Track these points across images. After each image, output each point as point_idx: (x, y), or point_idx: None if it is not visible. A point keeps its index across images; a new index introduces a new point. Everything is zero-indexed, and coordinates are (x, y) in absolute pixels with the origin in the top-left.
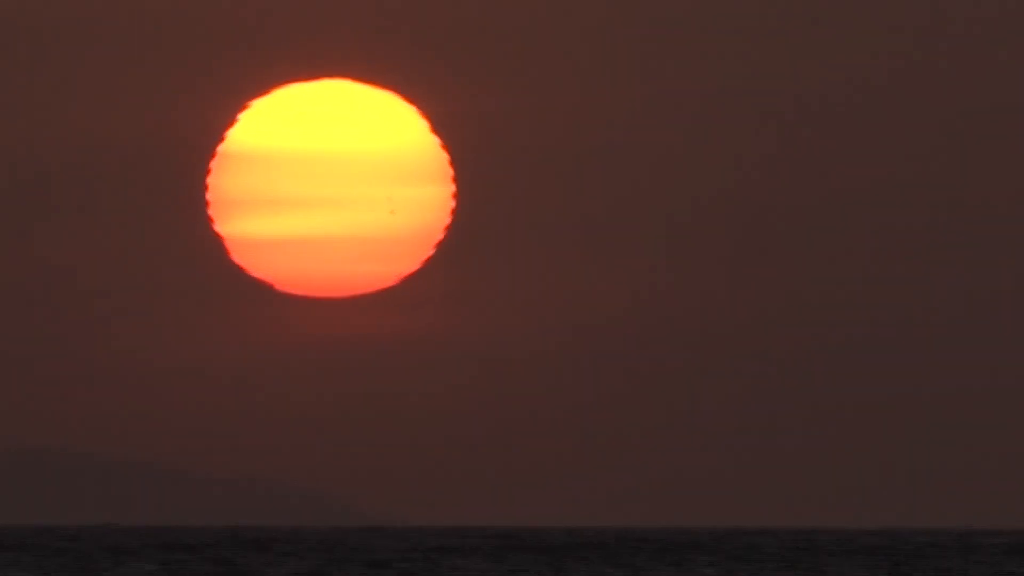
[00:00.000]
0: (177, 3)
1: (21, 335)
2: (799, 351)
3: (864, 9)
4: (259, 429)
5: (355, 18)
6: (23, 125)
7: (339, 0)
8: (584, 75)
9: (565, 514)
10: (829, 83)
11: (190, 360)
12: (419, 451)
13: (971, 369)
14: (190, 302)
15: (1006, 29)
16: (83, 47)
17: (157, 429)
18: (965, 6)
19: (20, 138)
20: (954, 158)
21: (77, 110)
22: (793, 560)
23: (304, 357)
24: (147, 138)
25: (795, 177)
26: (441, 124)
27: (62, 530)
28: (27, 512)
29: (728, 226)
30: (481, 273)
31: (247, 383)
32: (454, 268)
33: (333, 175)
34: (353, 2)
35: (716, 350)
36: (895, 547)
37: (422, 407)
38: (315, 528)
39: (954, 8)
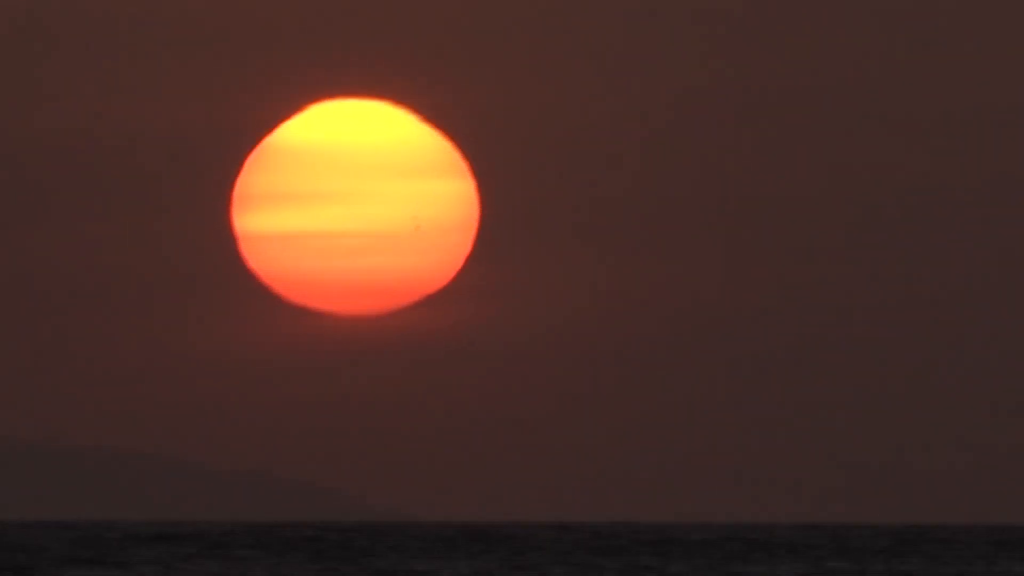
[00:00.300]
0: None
1: (21, 329)
2: (823, 350)
3: (861, 4)
4: (265, 425)
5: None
6: (64, 114)
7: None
8: (589, 68)
9: (589, 508)
10: (844, 82)
11: (194, 354)
12: (429, 449)
13: (971, 371)
14: (195, 297)
15: (1002, 27)
16: (158, 44)
17: (162, 422)
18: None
19: (63, 127)
20: (958, 155)
21: (125, 102)
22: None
23: (309, 358)
24: (185, 132)
25: (811, 178)
26: (462, 140)
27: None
28: (36, 507)
29: (752, 216)
30: (517, 272)
31: (253, 381)
32: (486, 273)
33: (362, 175)
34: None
35: (757, 342)
36: (893, 543)
37: (434, 407)
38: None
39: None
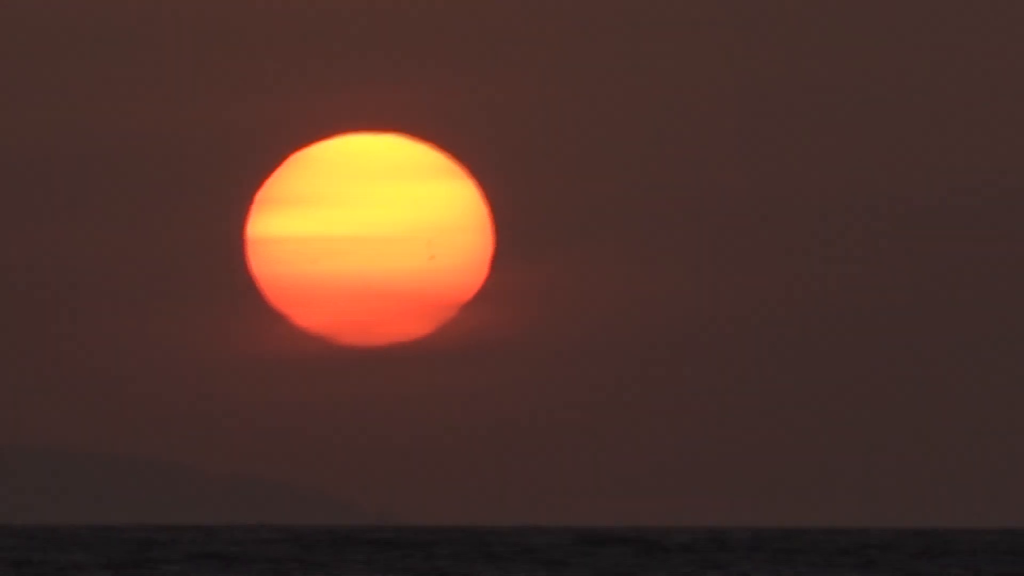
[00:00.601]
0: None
1: (21, 332)
2: (853, 351)
3: (874, 8)
4: (261, 429)
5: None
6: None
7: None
8: (577, 66)
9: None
10: (855, 80)
11: (189, 359)
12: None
13: (971, 373)
14: (195, 302)
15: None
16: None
17: (154, 426)
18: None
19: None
20: (964, 156)
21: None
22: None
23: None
24: (216, 137)
25: (828, 178)
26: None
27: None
28: (38, 511)
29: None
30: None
31: (250, 387)
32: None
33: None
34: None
35: (792, 341)
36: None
37: (436, 410)
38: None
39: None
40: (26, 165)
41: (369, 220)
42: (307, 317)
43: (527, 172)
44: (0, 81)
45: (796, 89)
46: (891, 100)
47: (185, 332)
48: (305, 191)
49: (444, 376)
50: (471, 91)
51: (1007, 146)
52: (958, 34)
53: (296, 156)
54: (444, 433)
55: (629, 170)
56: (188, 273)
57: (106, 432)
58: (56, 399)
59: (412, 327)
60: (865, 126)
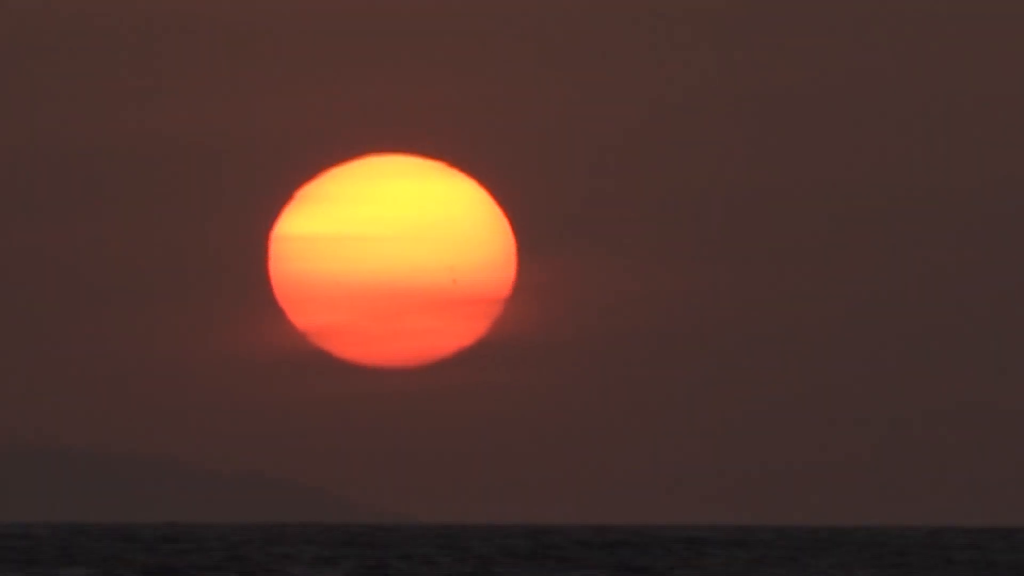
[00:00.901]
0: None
1: (29, 331)
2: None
3: (875, 9)
4: (268, 428)
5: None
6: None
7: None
8: (569, 65)
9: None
10: (868, 80)
11: (199, 357)
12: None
13: (973, 376)
14: (213, 299)
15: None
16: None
17: (160, 424)
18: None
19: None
20: (963, 156)
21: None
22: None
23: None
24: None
25: (848, 180)
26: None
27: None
28: (50, 509)
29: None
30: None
31: (264, 386)
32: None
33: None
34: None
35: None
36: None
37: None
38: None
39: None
40: (37, 165)
41: (380, 221)
42: (333, 315)
43: (530, 172)
44: (23, 82)
45: (808, 90)
46: (892, 100)
47: (209, 330)
48: (334, 194)
49: (500, 374)
50: (466, 95)
51: (1009, 147)
52: (960, 34)
53: (326, 173)
54: (506, 429)
55: (634, 166)
56: (222, 277)
57: (109, 429)
58: (57, 397)
59: (454, 329)
60: (867, 127)
